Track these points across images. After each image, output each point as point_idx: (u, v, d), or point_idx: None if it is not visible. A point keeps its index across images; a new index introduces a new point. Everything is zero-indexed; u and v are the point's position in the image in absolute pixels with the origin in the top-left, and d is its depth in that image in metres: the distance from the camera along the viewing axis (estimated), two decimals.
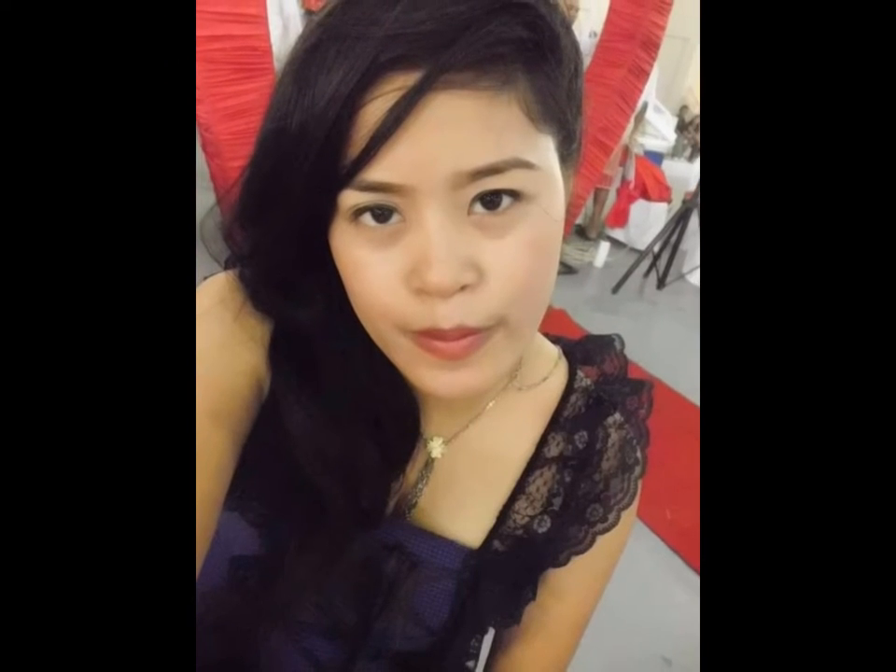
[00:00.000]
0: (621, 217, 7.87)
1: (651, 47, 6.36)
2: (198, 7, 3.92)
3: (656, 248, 6.74)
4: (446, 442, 0.86)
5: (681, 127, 8.89)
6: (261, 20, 4.28)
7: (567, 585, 0.92)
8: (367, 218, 0.60)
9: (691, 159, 8.91)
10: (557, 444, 0.88)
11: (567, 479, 0.87)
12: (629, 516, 0.89)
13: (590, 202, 7.87)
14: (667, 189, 7.79)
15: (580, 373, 0.93)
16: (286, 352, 0.75)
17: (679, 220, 6.51)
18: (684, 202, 6.56)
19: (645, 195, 7.68)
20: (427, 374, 0.66)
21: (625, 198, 7.75)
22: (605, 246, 7.38)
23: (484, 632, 0.94)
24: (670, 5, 6.18)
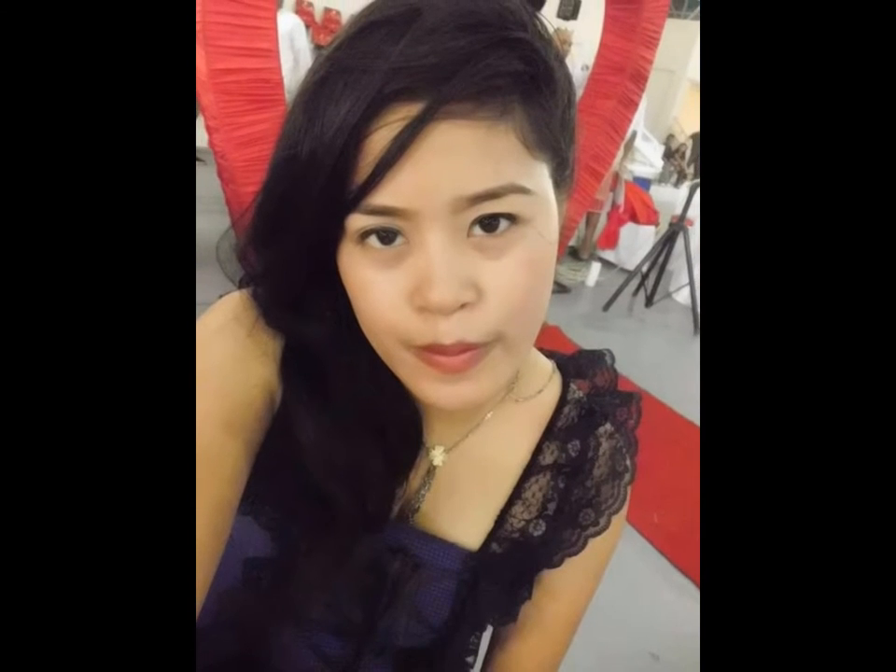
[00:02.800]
0: (611, 239, 7.91)
1: (640, 79, 6.41)
2: (214, 42, 3.97)
3: (644, 268, 6.76)
4: (447, 451, 0.86)
5: (668, 154, 8.95)
6: (273, 54, 4.31)
7: (560, 585, 0.92)
8: (373, 240, 0.60)
9: (677, 184, 8.96)
10: (552, 453, 0.88)
11: (561, 485, 0.87)
12: (619, 520, 0.89)
13: (582, 224, 7.90)
14: (655, 212, 7.84)
15: (573, 386, 0.93)
16: (296, 366, 0.75)
17: (666, 242, 6.53)
18: (671, 225, 6.58)
19: (634, 219, 7.74)
20: (429, 387, 0.66)
21: (615, 221, 7.80)
22: (596, 267, 7.40)
23: (483, 629, 0.94)
24: (658, 39, 6.23)
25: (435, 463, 0.85)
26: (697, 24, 15.63)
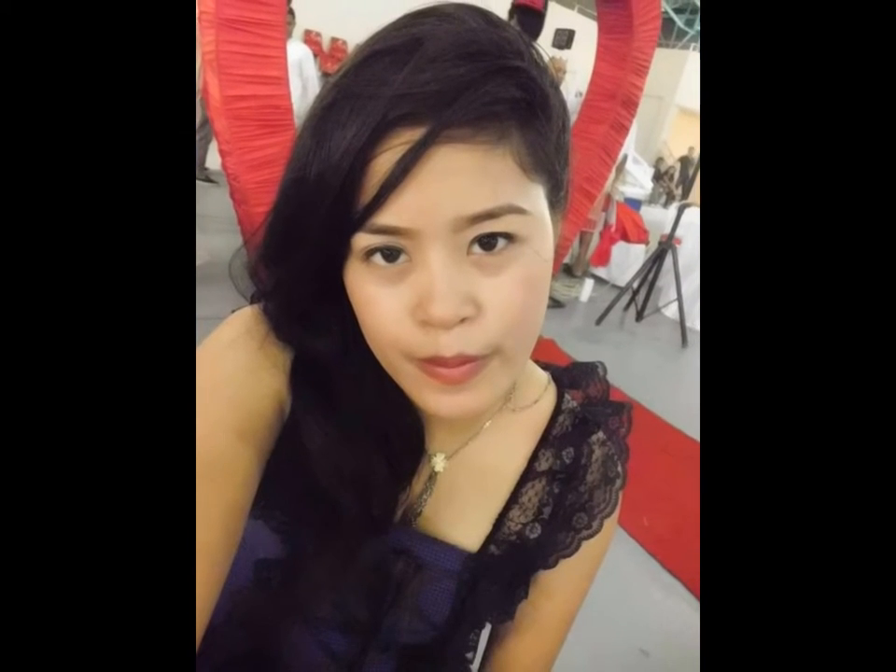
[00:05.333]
0: (603, 257, 7.91)
1: (631, 105, 6.44)
2: (227, 70, 4.01)
3: (635, 285, 6.77)
4: (448, 458, 0.86)
5: (657, 177, 8.98)
6: (283, 81, 4.33)
7: (555, 585, 0.92)
8: (377, 258, 0.60)
9: (666, 205, 8.98)
10: (547, 459, 0.88)
11: (556, 490, 0.87)
12: (611, 523, 0.89)
13: (576, 243, 7.92)
14: (645, 231, 7.85)
15: (567, 396, 0.93)
16: (305, 377, 0.75)
17: (656, 260, 6.55)
18: (660, 243, 6.59)
19: (625, 237, 7.74)
20: (430, 397, 0.66)
21: (608, 240, 7.80)
22: (589, 283, 7.42)
23: (482, 627, 0.94)
24: (647, 68, 6.26)
25: (436, 469, 0.85)
26: (685, 53, 15.76)
